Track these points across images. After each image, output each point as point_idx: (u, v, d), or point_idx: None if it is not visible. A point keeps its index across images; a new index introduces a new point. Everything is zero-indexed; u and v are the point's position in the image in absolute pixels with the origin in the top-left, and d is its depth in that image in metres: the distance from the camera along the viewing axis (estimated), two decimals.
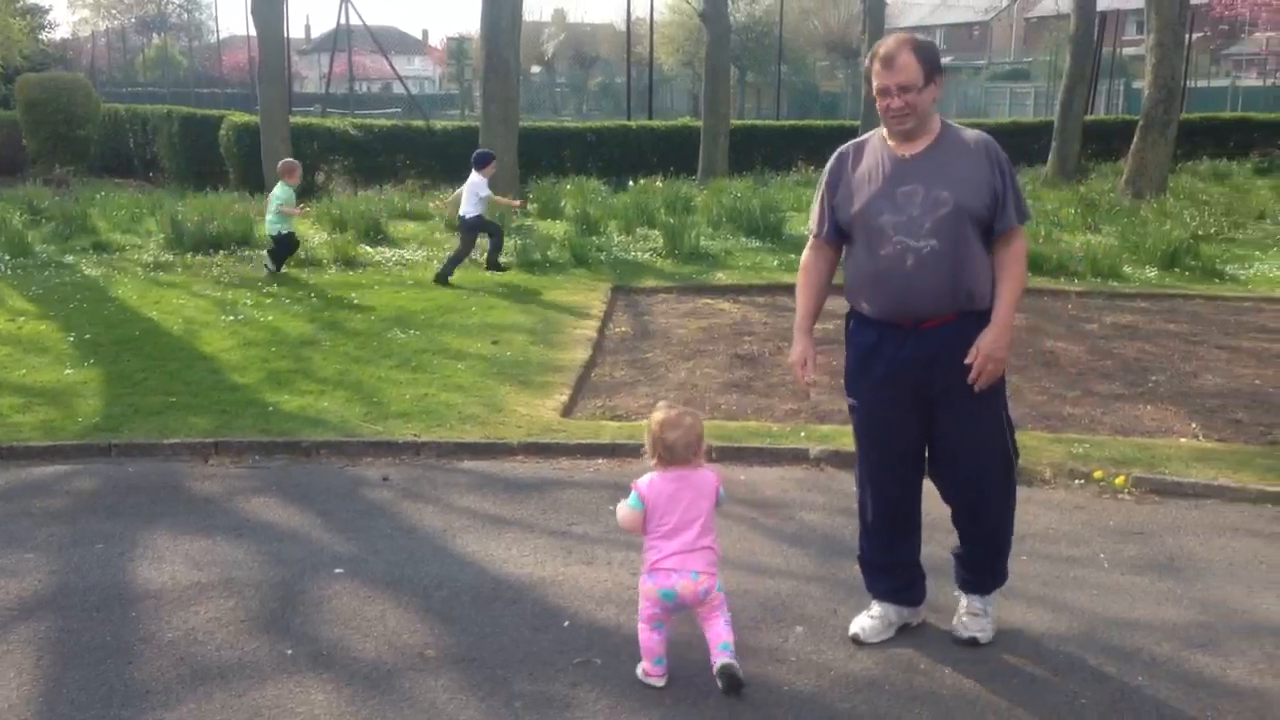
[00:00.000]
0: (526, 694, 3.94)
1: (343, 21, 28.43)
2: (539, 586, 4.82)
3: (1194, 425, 7.21)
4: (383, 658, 4.20)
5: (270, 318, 10.13)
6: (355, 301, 10.81)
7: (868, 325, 4.15)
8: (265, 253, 12.53)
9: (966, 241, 3.95)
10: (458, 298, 10.97)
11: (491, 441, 6.81)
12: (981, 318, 4.03)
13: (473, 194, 12.01)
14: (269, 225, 12.18)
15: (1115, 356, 9.04)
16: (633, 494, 3.97)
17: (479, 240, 12.49)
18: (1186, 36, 20.77)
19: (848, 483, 6.18)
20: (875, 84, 3.96)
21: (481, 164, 12.13)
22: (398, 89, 39.21)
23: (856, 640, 4.29)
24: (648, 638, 3.95)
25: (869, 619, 4.37)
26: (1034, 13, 72.80)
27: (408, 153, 22.09)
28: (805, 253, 4.39)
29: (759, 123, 28.80)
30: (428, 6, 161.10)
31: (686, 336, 9.83)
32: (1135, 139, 18.75)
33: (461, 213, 12.13)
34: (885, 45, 3.97)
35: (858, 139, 4.26)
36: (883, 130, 4.14)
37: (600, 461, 6.61)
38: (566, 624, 4.47)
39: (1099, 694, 3.93)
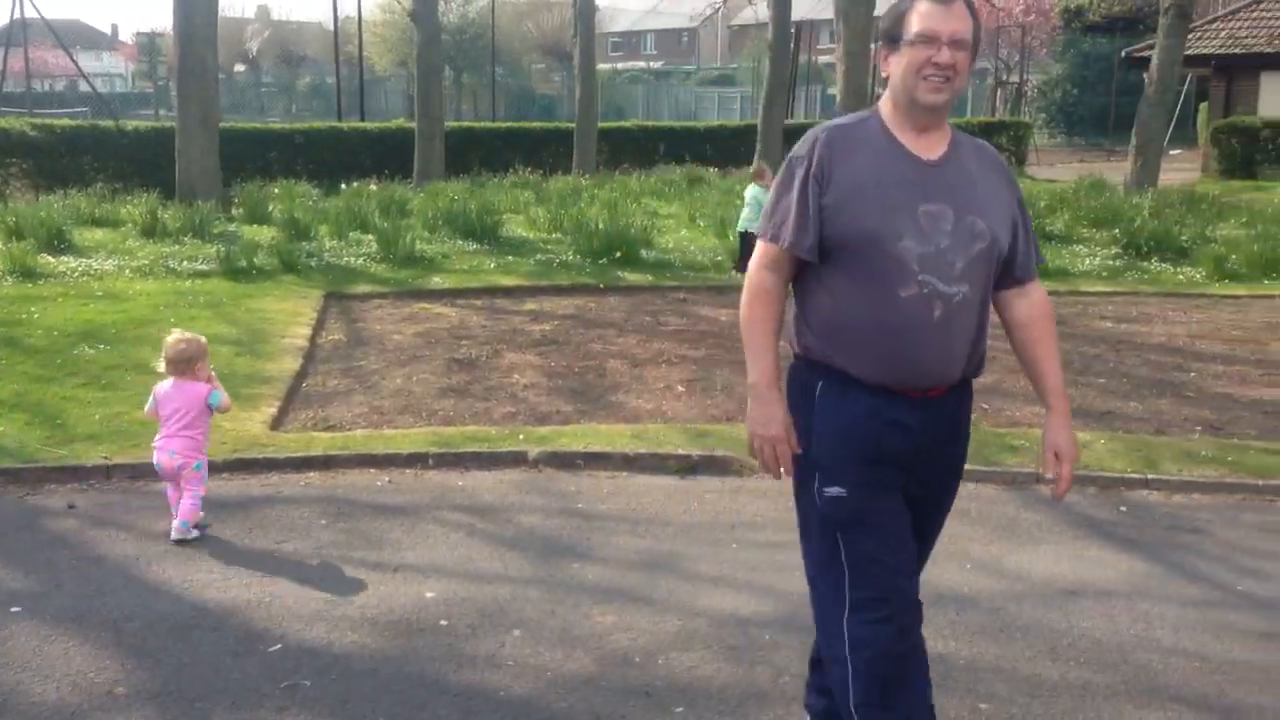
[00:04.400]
0: None
1: (18, 14, 26.22)
2: (243, 610, 4.59)
3: None
4: (66, 700, 3.88)
5: None
6: (35, 316, 9.96)
7: (853, 390, 2.98)
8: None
9: (989, 290, 3.05)
10: (154, 309, 10.31)
11: None
12: (970, 384, 3.15)
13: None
14: (742, 222, 12.82)
15: None
16: (151, 397, 5.46)
17: None
18: (873, 47, 22.19)
19: (567, 483, 6.26)
20: (916, 29, 2.87)
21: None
22: (84, 87, 36.58)
23: None
24: (170, 493, 5.46)
25: None
26: (737, 21, 75.97)
27: (95, 155, 20.63)
28: (758, 272, 3.08)
29: (475, 124, 28.69)
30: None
31: (403, 342, 9.64)
32: None
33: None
34: None
35: (841, 121, 3.07)
36: (882, 111, 3.04)
37: (312, 475, 6.38)
38: (274, 647, 4.27)
39: (801, 670, 4.08)
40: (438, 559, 5.18)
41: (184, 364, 5.36)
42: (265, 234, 14.65)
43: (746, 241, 12.92)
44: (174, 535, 5.30)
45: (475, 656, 4.21)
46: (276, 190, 17.76)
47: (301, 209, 15.79)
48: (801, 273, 3.06)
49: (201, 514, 5.44)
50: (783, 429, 3.02)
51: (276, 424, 7.33)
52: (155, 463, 5.42)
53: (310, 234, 14.53)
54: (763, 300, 3.06)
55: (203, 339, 5.55)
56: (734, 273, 12.91)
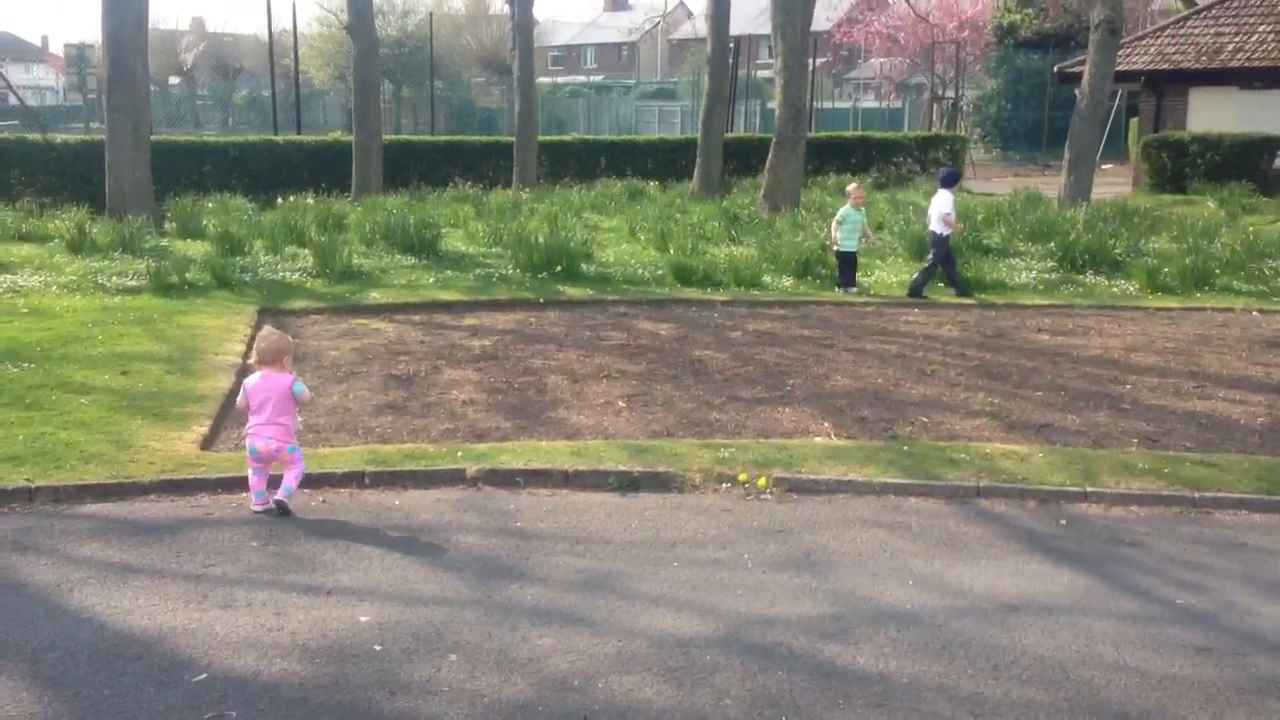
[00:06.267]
0: None
1: None
2: (168, 638, 4.43)
3: (827, 424, 7.68)
4: None
5: None
6: None
7: None
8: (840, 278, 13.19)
9: None
10: (81, 327, 10.04)
11: (119, 481, 6.26)
12: None
13: (937, 210, 12.78)
14: (842, 242, 12.98)
15: (757, 362, 9.51)
16: (242, 390, 6.08)
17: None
18: (810, 61, 22.36)
19: (505, 501, 6.15)
20: None
21: (949, 182, 13.15)
22: (14, 100, 35.81)
23: None
24: (252, 479, 6.00)
25: None
26: (676, 35, 76.37)
27: (23, 169, 20.14)
28: None
29: (414, 138, 28.42)
30: (48, 10, 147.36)
31: (339, 358, 9.48)
32: (770, 156, 19.95)
33: (931, 228, 12.97)
34: None
35: None
36: None
37: (244, 495, 6.20)
38: (200, 676, 4.13)
39: (742, 692, 4.05)
40: (373, 581, 5.05)
41: (274, 355, 5.99)
42: (198, 249, 14.37)
43: (844, 261, 13.04)
44: (278, 495, 5.92)
45: (409, 683, 4.09)
46: (210, 204, 17.44)
47: (236, 223, 15.51)
48: None
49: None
50: None
51: (208, 443, 7.15)
52: (251, 448, 5.97)
53: (245, 249, 14.27)
54: None
55: (289, 336, 6.42)
56: (836, 289, 13.03)
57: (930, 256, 12.99)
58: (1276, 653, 4.46)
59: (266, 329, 6.30)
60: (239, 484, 6.30)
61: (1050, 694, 4.08)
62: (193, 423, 7.43)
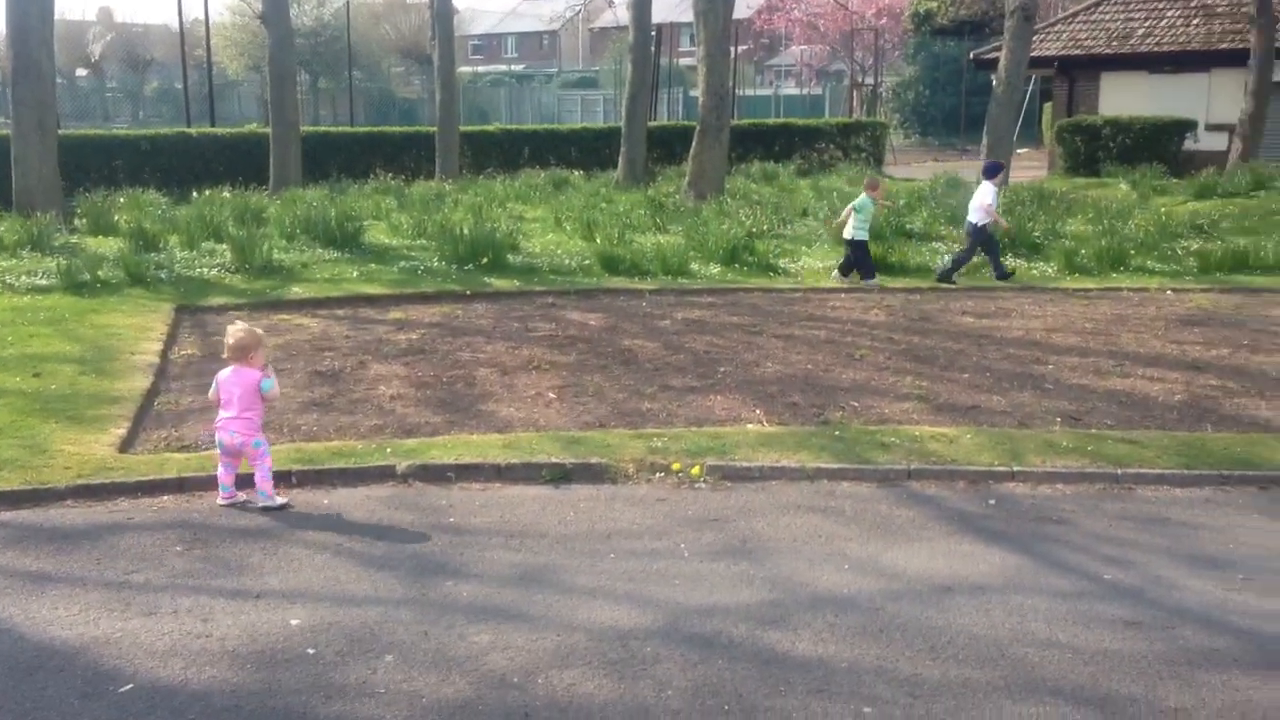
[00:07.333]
0: None
1: None
2: (92, 648, 4.29)
3: (758, 411, 7.70)
4: None
5: None
6: None
7: None
8: (840, 266, 13.07)
9: None
10: None
11: (33, 487, 6.07)
12: None
13: (978, 201, 12.86)
14: (852, 231, 12.67)
15: (687, 351, 9.50)
16: (214, 383, 6.09)
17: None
18: (732, 49, 22.40)
19: (437, 497, 6.07)
20: None
21: (991, 174, 13.29)
22: None
23: None
24: (220, 474, 6.03)
25: None
26: (597, 23, 76.12)
27: None
28: None
29: (333, 129, 27.96)
30: None
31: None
32: (694, 144, 19.98)
33: (969, 219, 13.04)
34: None
35: None
36: None
37: (166, 499, 6.06)
38: (126, 687, 4.00)
39: (684, 682, 4.03)
40: (303, 583, 4.95)
41: (241, 352, 6.00)
42: (111, 245, 13.98)
43: (855, 249, 12.73)
44: (261, 504, 5.92)
45: (345, 686, 4.01)
46: (122, 200, 16.98)
47: (150, 219, 15.11)
48: None
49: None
50: None
51: (126, 446, 6.95)
52: (219, 442, 6.00)
53: (159, 245, 13.91)
54: None
55: (259, 331, 6.23)
56: (836, 276, 12.89)
57: (966, 245, 13.05)
58: (1203, 625, 4.56)
59: (238, 324, 6.27)
60: (159, 487, 6.15)
61: (986, 672, 4.13)
62: (110, 425, 7.23)
